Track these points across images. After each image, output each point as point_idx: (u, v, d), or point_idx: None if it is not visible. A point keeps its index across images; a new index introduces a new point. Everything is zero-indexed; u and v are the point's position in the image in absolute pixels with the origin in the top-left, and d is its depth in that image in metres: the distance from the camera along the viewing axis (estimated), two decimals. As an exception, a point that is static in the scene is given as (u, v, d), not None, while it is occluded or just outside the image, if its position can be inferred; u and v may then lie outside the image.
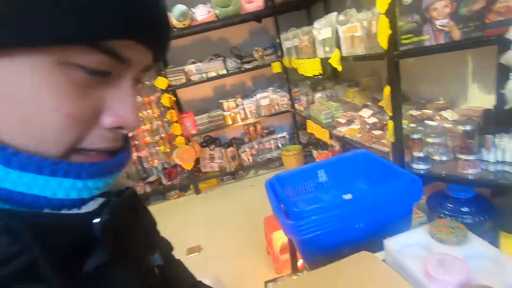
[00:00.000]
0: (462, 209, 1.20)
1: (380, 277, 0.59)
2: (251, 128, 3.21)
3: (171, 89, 2.77)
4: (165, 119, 2.84)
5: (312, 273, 0.67)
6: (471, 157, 1.23)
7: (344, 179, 1.03)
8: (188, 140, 2.85)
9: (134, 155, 2.90)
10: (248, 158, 3.09)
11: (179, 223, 2.58)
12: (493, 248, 0.55)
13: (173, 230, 2.49)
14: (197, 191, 3.00)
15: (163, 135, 2.92)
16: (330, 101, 2.41)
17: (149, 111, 2.83)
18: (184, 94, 3.16)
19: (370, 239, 0.78)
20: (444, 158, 1.31)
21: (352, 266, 0.65)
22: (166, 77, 2.70)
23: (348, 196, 0.78)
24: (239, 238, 2.17)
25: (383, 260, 0.64)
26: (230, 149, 3.06)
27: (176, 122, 2.76)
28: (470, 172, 1.25)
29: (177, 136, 2.79)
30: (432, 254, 0.55)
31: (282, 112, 3.00)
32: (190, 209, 2.80)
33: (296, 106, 2.85)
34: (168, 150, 2.95)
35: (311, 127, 2.42)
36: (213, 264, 1.99)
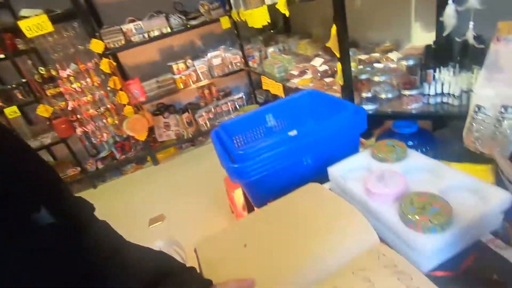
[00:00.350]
0: (407, 143, 1.26)
1: (325, 203, 0.58)
2: (206, 91, 3.05)
3: (110, 53, 2.49)
4: (108, 88, 2.58)
5: (257, 212, 0.64)
6: (414, 92, 1.26)
7: (293, 120, 0.99)
8: (137, 108, 2.64)
9: (79, 130, 2.63)
10: (205, 123, 2.98)
11: (139, 197, 2.47)
12: (431, 160, 0.56)
13: (134, 205, 2.38)
14: (155, 162, 2.86)
15: (108, 106, 2.67)
16: (282, 55, 2.34)
17: (88, 80, 2.54)
18: (127, 58, 2.87)
19: (319, 175, 0.77)
20: (390, 95, 1.34)
21: (297, 198, 0.63)
22: (102, 39, 2.40)
23: (293, 133, 0.75)
24: (203, 202, 2.14)
25: (329, 189, 0.63)
26: (186, 115, 2.91)
27: (121, 90, 2.52)
28: (414, 107, 1.29)
29: (124, 105, 2.57)
30: (372, 172, 0.54)
31: (236, 71, 2.87)
32: (149, 181, 2.68)
33: (250, 63, 2.74)
34: (116, 122, 2.71)
35: (266, 83, 2.35)
36: (178, 230, 1.95)
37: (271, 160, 0.72)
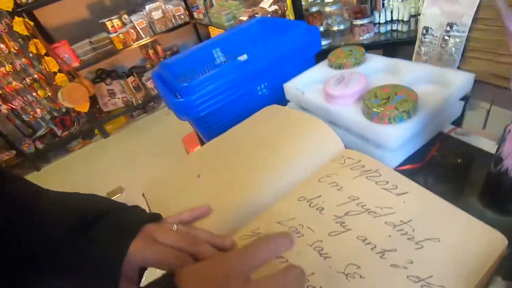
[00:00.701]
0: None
1: (284, 119, 0.52)
2: (151, 51, 2.77)
3: (23, 10, 2.08)
4: (31, 54, 2.20)
5: (211, 142, 0.57)
6: (365, 21, 1.23)
7: (244, 52, 0.90)
8: (72, 76, 2.32)
9: (3, 108, 2.26)
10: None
11: (92, 173, 2.27)
12: (391, 59, 0.52)
13: (88, 182, 2.18)
14: (105, 134, 2.62)
15: (35, 76, 2.30)
16: (229, 0, 2.15)
17: (2, 46, 2.13)
18: (49, 17, 2.44)
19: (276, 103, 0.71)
20: (342, 27, 1.29)
21: (254, 121, 0.57)
22: (8, -7, 1.98)
23: (243, 57, 0.66)
24: (162, 168, 2.02)
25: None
26: (131, 79, 2.64)
27: (47, 55, 2.16)
28: (365, 38, 1.26)
29: (55, 73, 2.23)
30: (330, 77, 0.48)
31: (181, 25, 2.62)
32: (101, 155, 2.46)
33: (195, 14, 2.50)
34: (49, 93, 2.37)
35: (215, 34, 2.17)
36: (139, 200, 1.84)
37: (221, 91, 0.64)
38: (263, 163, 0.45)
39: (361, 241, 0.34)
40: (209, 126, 0.69)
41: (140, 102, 2.69)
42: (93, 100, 2.53)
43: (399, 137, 0.38)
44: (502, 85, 0.96)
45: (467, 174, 0.38)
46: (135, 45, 2.51)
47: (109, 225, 0.34)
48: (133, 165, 2.20)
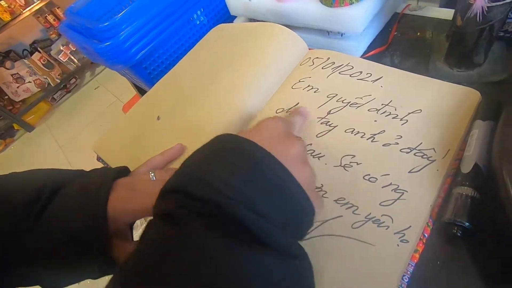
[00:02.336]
0: None
1: (238, 34, 0.47)
2: (50, 18, 2.30)
3: None
4: None
5: (161, 80, 0.50)
6: None
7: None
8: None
9: None
10: (71, 58, 2.35)
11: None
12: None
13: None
14: (28, 128, 2.25)
15: None
16: None
17: None
18: None
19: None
20: None
21: (204, 45, 0.50)
22: None
23: (168, -21, 0.56)
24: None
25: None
26: (37, 56, 2.21)
27: None
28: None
29: None
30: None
31: (78, -22, 2.17)
32: (31, 151, 2.15)
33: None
34: None
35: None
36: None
37: (151, 26, 0.54)
38: (228, 85, 0.40)
39: (349, 133, 0.33)
40: (151, 72, 0.61)
41: (58, 81, 2.31)
42: (-3, 90, 2.11)
43: (364, 17, 0.36)
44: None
45: (430, 44, 0.38)
46: (26, 12, 2.05)
47: (76, 189, 0.28)
48: (73, 154, 1.97)
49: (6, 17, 1.99)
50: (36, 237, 0.26)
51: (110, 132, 0.46)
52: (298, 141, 0.26)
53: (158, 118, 0.41)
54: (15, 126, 2.25)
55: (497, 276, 0.23)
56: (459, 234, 0.24)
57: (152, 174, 0.32)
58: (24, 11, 2.04)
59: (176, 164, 0.36)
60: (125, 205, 0.28)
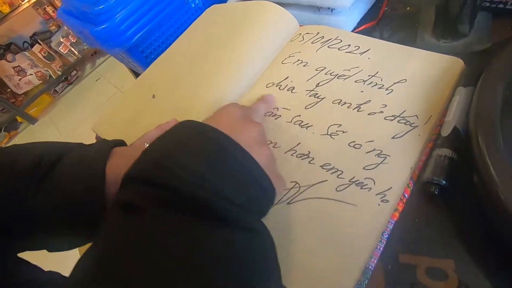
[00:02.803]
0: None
1: (229, 14, 0.48)
2: (49, 9, 2.30)
3: None
4: None
5: (155, 62, 0.51)
6: None
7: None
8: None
9: None
10: (71, 50, 2.35)
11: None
12: None
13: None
14: (31, 120, 2.28)
15: None
16: None
17: None
18: None
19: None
20: None
21: (197, 26, 0.51)
22: None
23: (162, -39, 0.56)
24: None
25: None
26: (37, 48, 2.22)
27: None
28: None
29: None
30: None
31: (76, -32, 2.16)
32: (36, 142, 2.17)
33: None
34: None
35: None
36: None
37: (147, 9, 0.55)
38: (221, 62, 0.41)
39: (336, 104, 0.34)
40: (147, 56, 0.62)
41: (60, 73, 2.32)
42: (0, 84, 2.13)
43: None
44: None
45: (418, 18, 0.38)
46: (25, 3, 2.05)
47: (76, 157, 0.29)
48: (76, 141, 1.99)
49: (5, 9, 1.99)
50: (39, 201, 0.27)
51: (108, 111, 0.47)
52: (256, 125, 0.28)
53: (154, 96, 0.42)
54: (19, 119, 2.28)
55: (470, 231, 0.24)
56: (436, 192, 0.25)
57: (147, 144, 0.33)
58: (23, 3, 2.04)
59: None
60: (122, 171, 0.29)
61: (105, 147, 0.30)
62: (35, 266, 0.29)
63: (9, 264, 0.27)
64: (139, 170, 0.21)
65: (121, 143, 0.34)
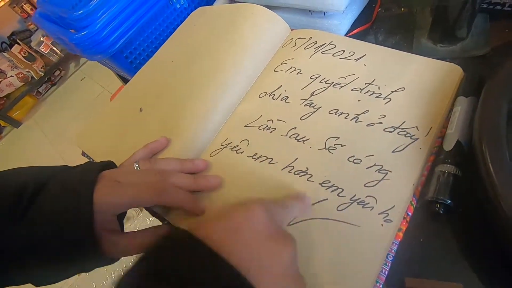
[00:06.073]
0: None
1: (218, 17, 0.45)
2: (27, 7, 2.19)
3: None
4: None
5: (141, 70, 0.48)
6: None
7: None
8: None
9: None
10: (53, 50, 2.27)
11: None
12: None
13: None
14: (15, 124, 2.20)
15: None
16: None
17: None
18: None
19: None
20: None
21: (184, 30, 0.49)
22: None
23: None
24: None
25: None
26: (17, 48, 2.13)
27: None
28: None
29: None
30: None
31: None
32: (21, 148, 2.11)
33: None
34: None
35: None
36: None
37: (129, 13, 0.52)
38: (209, 71, 0.39)
39: (333, 114, 0.33)
40: (132, 61, 0.59)
41: (42, 74, 2.24)
42: (-21, 87, 2.04)
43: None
44: None
45: (414, 20, 0.37)
46: (0, 2, 1.95)
47: (59, 185, 0.27)
48: (64, 147, 1.94)
49: (-20, 8, 1.90)
50: (22, 238, 0.25)
51: (92, 125, 0.44)
52: (290, 242, 0.20)
53: (141, 110, 0.40)
54: (2, 123, 2.20)
55: (479, 251, 0.24)
56: (441, 212, 0.24)
57: (137, 165, 0.32)
58: (-2, 1, 1.95)
59: (163, 156, 0.35)
60: (110, 197, 0.27)
61: (91, 173, 0.28)
62: None
63: None
64: None
65: (110, 165, 0.32)
